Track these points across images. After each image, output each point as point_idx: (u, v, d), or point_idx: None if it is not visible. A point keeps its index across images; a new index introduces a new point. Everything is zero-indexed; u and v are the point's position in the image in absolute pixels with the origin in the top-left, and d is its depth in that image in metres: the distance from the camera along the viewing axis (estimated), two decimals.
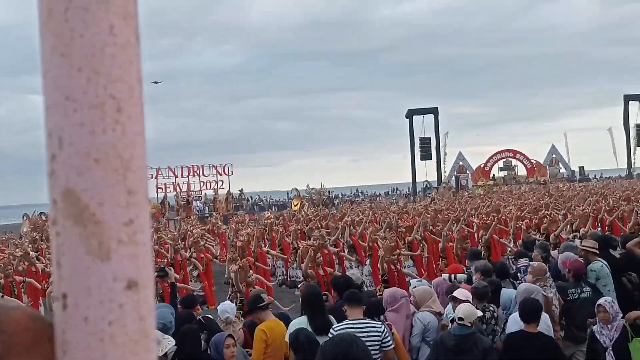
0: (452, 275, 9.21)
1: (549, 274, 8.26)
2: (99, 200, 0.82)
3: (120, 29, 0.84)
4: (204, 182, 54.89)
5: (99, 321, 0.82)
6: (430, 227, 17.94)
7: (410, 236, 16.62)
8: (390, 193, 69.83)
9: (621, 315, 7.18)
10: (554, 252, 11.19)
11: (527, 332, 6.75)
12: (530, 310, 6.85)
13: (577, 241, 11.70)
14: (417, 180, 60.86)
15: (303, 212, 34.34)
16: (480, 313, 7.09)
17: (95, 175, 0.82)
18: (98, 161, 0.82)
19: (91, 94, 0.83)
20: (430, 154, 60.17)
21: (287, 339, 6.80)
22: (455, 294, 7.49)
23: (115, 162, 0.83)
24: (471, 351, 6.51)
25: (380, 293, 10.78)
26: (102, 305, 0.82)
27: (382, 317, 7.57)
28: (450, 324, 7.21)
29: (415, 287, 8.84)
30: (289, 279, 18.12)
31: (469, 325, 6.66)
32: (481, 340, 6.59)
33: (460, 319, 6.72)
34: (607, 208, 19.35)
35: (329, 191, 60.39)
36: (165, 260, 15.62)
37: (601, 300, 7.35)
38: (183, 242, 19.30)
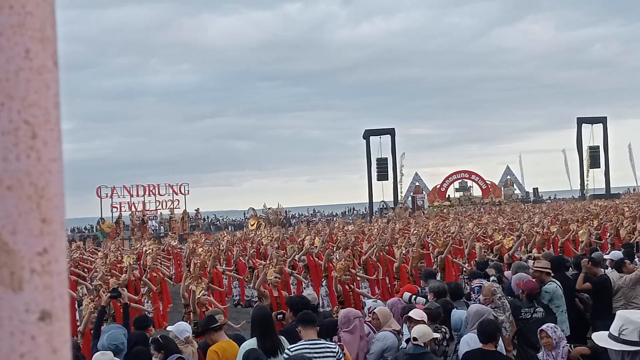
0: (413, 296, 9.21)
1: (500, 294, 8.28)
2: (12, 229, 0.79)
3: (36, 53, 0.82)
4: (159, 202, 54.54)
5: (10, 354, 0.79)
6: (386, 247, 18.01)
7: (365, 256, 16.65)
8: (347, 213, 69.93)
9: (565, 341, 7.18)
10: (507, 272, 11.27)
11: (486, 349, 6.77)
12: (488, 330, 6.87)
13: (531, 262, 11.80)
14: (373, 201, 61.06)
15: (259, 232, 34.24)
16: (436, 335, 7.12)
17: (7, 203, 0.79)
18: (11, 189, 0.79)
19: (4, 119, 0.80)
20: (387, 175, 60.44)
21: None
22: (410, 314, 7.50)
23: (28, 190, 0.80)
24: None
25: (336, 314, 10.77)
26: (13, 337, 0.79)
27: (335, 338, 7.55)
28: (405, 344, 7.21)
29: (370, 307, 8.85)
30: (244, 299, 18.02)
31: (423, 345, 6.68)
32: (432, 359, 6.60)
33: (415, 339, 6.74)
34: (560, 229, 19.60)
35: (285, 211, 60.31)
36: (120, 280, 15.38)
37: (544, 326, 7.35)
38: (137, 262, 19.06)
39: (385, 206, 59.69)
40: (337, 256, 16.14)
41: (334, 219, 56.57)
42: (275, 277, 12.08)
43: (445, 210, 49.35)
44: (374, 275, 15.76)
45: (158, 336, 7.33)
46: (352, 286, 12.84)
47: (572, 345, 7.05)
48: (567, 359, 7.06)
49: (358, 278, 14.75)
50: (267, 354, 6.39)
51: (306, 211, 73.55)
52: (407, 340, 6.97)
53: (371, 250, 16.97)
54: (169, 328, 8.02)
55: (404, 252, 16.19)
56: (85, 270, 18.20)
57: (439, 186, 64.06)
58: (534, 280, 9.31)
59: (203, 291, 11.07)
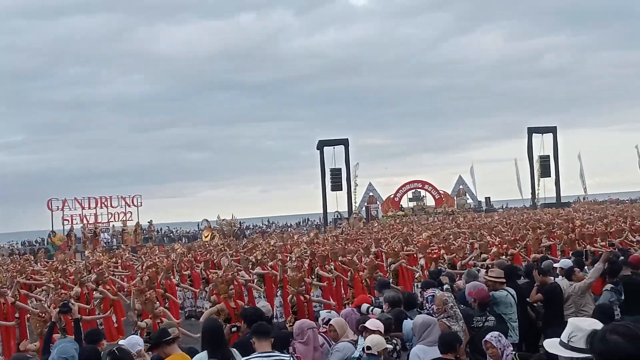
0: (369, 307, 9.22)
1: (452, 303, 8.33)
2: None
3: None
4: (112, 214, 54.02)
5: None
6: (340, 257, 18.03)
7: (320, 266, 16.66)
8: (301, 223, 69.87)
9: (510, 348, 7.20)
10: (459, 282, 11.36)
11: (446, 358, 6.82)
12: (448, 340, 6.94)
13: (483, 271, 11.91)
14: (328, 211, 61.17)
15: (214, 243, 34.05)
16: (389, 346, 7.16)
17: None
18: None
19: None
20: (341, 185, 60.61)
21: None
22: (367, 324, 7.53)
23: None
24: None
25: (291, 325, 10.76)
26: None
27: (290, 349, 7.54)
28: (358, 354, 7.23)
29: (324, 318, 8.85)
30: (196, 311, 17.87)
31: (376, 354, 6.73)
32: None
33: (369, 347, 6.79)
34: (511, 238, 19.80)
35: (239, 222, 60.07)
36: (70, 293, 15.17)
37: (487, 337, 7.36)
38: (89, 275, 18.80)
39: (339, 216, 59.80)
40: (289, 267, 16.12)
41: (288, 230, 56.48)
42: (230, 289, 12.02)
43: (398, 220, 49.59)
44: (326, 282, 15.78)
45: (114, 348, 7.21)
46: (306, 296, 12.83)
47: (516, 354, 7.09)
48: None
49: (310, 286, 14.76)
50: None
51: (260, 222, 73.29)
52: (363, 349, 7.00)
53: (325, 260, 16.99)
54: (120, 342, 7.90)
55: (357, 262, 16.24)
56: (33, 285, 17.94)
57: (392, 196, 64.42)
58: (485, 288, 9.39)
59: (156, 303, 10.98)
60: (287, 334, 7.75)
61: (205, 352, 6.71)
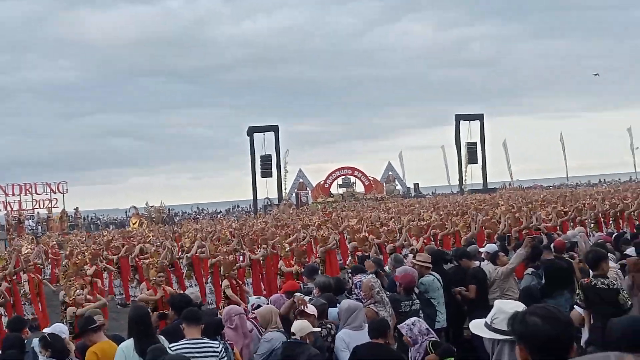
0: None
1: (379, 289, 8.42)
2: None
3: None
4: (36, 201, 52.88)
5: None
6: (271, 243, 18.06)
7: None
8: (231, 210, 69.56)
9: (428, 335, 7.23)
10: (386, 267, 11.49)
11: (375, 342, 6.88)
12: (378, 327, 7.00)
13: (410, 255, 12.07)
14: (258, 198, 61.07)
15: (141, 230, 33.67)
16: (315, 329, 7.19)
17: None
18: None
19: None
20: (271, 171, 60.59)
21: None
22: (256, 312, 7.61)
23: None
24: (297, 358, 6.61)
25: (221, 310, 10.73)
26: None
27: (221, 334, 7.52)
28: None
29: (253, 304, 8.84)
30: (129, 298, 17.69)
31: (300, 339, 6.77)
32: (309, 350, 6.68)
33: (293, 333, 6.83)
34: (440, 223, 20.10)
35: (169, 209, 59.52)
36: None
37: (399, 326, 7.43)
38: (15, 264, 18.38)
39: (269, 203, 59.79)
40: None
41: (219, 217, 56.20)
42: (159, 276, 11.95)
43: (328, 207, 49.81)
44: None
45: (47, 334, 7.09)
46: (238, 281, 12.82)
47: (430, 343, 7.09)
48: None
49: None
50: (144, 355, 6.27)
51: (190, 209, 72.71)
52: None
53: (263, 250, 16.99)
54: (45, 330, 7.78)
55: (287, 249, 16.28)
56: None
57: (322, 182, 64.58)
58: (410, 273, 9.50)
59: (79, 290, 10.83)
60: (218, 321, 7.72)
61: (132, 339, 6.65)
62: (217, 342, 6.57)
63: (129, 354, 6.47)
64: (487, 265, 10.91)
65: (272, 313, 7.87)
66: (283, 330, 7.66)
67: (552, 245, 11.73)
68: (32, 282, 15.37)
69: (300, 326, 6.92)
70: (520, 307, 3.64)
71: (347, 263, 17.38)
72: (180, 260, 17.35)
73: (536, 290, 9.41)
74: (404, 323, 7.29)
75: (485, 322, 3.84)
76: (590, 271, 8.30)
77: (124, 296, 18.36)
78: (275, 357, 7.32)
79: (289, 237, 19.52)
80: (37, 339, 7.30)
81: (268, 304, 8.84)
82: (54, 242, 30.33)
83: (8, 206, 51.54)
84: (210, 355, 6.32)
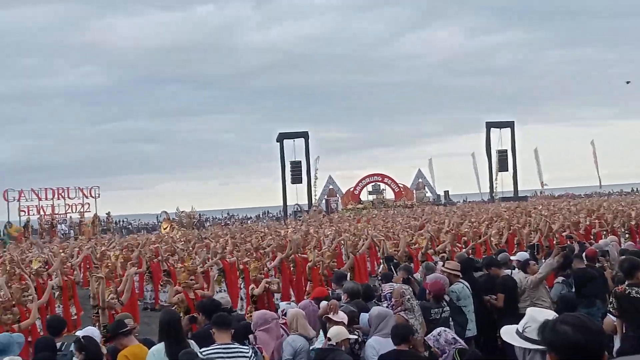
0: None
1: (409, 296, 8.39)
2: None
3: None
4: (69, 205, 53.40)
5: None
6: (300, 249, 18.07)
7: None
8: (261, 216, 69.73)
9: (455, 344, 7.16)
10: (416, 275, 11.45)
11: (400, 349, 6.88)
12: (401, 332, 6.99)
13: (440, 263, 12.02)
14: (288, 204, 61.19)
15: (172, 235, 33.86)
16: (351, 336, 7.22)
17: None
18: None
19: None
20: (301, 178, 60.71)
21: None
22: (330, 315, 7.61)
23: None
24: None
25: (250, 315, 10.76)
26: None
27: (251, 338, 7.56)
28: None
29: (284, 309, 8.88)
30: (158, 303, 17.75)
31: (335, 344, 6.80)
32: (341, 356, 6.69)
33: (329, 339, 6.86)
34: (473, 231, 19.98)
35: (199, 214, 59.80)
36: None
37: (427, 337, 7.38)
38: (47, 266, 18.57)
39: (299, 209, 59.85)
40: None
41: (248, 222, 56.37)
42: (190, 279, 12.01)
43: (357, 213, 49.76)
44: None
45: (81, 337, 7.16)
46: (266, 286, 12.83)
47: (456, 351, 7.04)
48: None
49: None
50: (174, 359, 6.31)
51: (220, 214, 72.98)
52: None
53: (287, 251, 17.01)
54: (77, 333, 7.86)
55: (317, 254, 16.30)
56: None
57: (352, 189, 64.58)
58: (440, 280, 9.47)
59: (112, 295, 10.90)
60: (246, 325, 7.77)
61: (162, 343, 6.70)
62: (247, 347, 6.61)
63: (159, 357, 6.52)
64: (517, 274, 10.85)
65: (295, 318, 7.91)
66: (307, 334, 7.71)
67: (584, 254, 11.65)
68: (66, 285, 15.49)
69: (336, 332, 6.95)
70: (552, 315, 3.62)
71: (375, 271, 17.35)
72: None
73: (574, 298, 9.31)
74: (430, 334, 7.25)
75: (517, 329, 3.82)
76: (626, 280, 8.21)
77: (154, 301, 18.45)
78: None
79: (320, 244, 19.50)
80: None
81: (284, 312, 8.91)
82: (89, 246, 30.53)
83: (41, 210, 52.08)
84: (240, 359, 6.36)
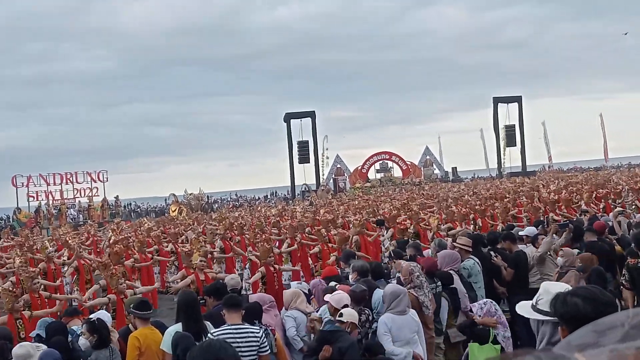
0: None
1: (418, 273, 8.37)
2: None
3: None
4: (77, 190, 53.55)
5: None
6: (308, 229, 18.09)
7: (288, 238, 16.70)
8: (269, 197, 69.83)
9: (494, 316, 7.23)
10: (426, 252, 11.42)
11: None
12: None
13: (450, 239, 12.00)
14: (295, 184, 61.21)
15: (181, 218, 33.96)
16: (361, 317, 7.24)
17: None
18: None
19: None
20: (309, 157, 60.66)
21: (162, 346, 6.70)
22: (327, 297, 7.64)
23: None
24: (332, 346, 6.64)
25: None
26: None
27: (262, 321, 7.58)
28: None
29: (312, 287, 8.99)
30: (164, 285, 17.81)
31: (344, 321, 6.81)
32: (345, 337, 6.69)
33: (341, 314, 6.88)
34: (479, 207, 19.95)
35: (207, 196, 59.90)
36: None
37: (472, 304, 7.44)
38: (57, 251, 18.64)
39: (307, 189, 59.86)
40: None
41: (257, 203, 56.45)
42: (201, 261, 12.07)
43: (366, 192, 49.77)
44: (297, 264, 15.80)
45: (95, 318, 7.20)
46: (275, 267, 12.85)
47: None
48: None
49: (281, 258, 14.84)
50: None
51: (228, 196, 73.11)
52: (329, 321, 7.04)
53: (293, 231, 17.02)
54: (91, 316, 7.89)
55: (325, 233, 16.30)
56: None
57: (360, 168, 64.51)
58: (434, 257, 9.49)
59: (122, 279, 10.94)
60: (257, 306, 7.78)
61: (180, 324, 6.75)
62: (257, 328, 6.61)
63: None
64: (527, 249, 10.84)
65: (293, 297, 7.97)
66: (304, 312, 7.80)
67: (592, 227, 11.60)
68: (83, 269, 15.54)
69: (350, 313, 6.98)
70: (565, 288, 3.61)
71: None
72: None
73: (603, 271, 9.21)
74: (477, 303, 7.34)
75: (532, 303, 3.83)
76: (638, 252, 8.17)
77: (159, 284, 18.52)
78: (302, 332, 7.50)
79: (331, 224, 19.50)
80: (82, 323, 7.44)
81: (309, 289, 8.94)
82: (94, 231, 30.64)
83: (50, 195, 52.22)
84: (251, 341, 6.36)
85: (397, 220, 17.26)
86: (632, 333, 0.90)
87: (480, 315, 7.10)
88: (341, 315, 6.88)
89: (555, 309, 3.08)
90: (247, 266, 16.19)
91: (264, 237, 15.92)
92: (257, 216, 27.81)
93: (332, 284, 8.82)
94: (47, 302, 11.35)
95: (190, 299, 7.12)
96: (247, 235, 18.22)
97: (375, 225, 18.31)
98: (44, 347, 6.38)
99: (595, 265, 8.92)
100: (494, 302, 7.55)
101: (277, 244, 16.57)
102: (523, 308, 3.88)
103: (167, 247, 18.72)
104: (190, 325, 6.65)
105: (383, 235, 16.55)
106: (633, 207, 20.08)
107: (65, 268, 15.85)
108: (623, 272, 8.07)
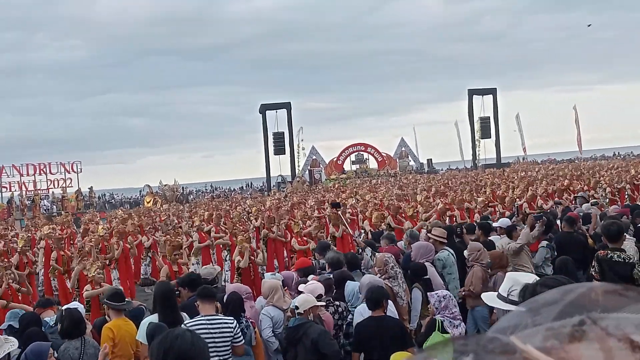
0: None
1: (393, 264, 8.41)
2: None
3: None
4: (51, 181, 53.04)
5: None
6: (285, 221, 18.10)
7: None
8: (244, 188, 69.67)
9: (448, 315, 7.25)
10: (400, 243, 11.47)
11: (375, 316, 6.93)
12: (376, 297, 7.01)
13: (424, 231, 12.06)
14: (271, 175, 61.11)
15: (155, 209, 33.83)
16: (320, 303, 7.20)
17: None
18: None
19: None
20: (284, 149, 60.54)
21: (138, 337, 6.70)
22: (301, 287, 7.64)
23: None
24: (301, 341, 6.66)
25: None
26: None
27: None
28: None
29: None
30: (139, 277, 17.76)
31: (303, 313, 6.80)
32: (312, 328, 6.70)
33: (296, 307, 6.86)
34: (458, 199, 20.06)
35: (182, 187, 59.68)
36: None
37: (431, 294, 7.45)
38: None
39: (282, 180, 59.81)
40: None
41: (232, 195, 56.30)
42: (175, 255, 12.01)
43: (342, 183, 49.81)
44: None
45: (66, 308, 7.17)
46: (251, 258, 12.86)
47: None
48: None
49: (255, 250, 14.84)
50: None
51: (204, 187, 72.86)
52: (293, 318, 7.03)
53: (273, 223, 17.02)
54: (63, 307, 7.85)
55: (301, 225, 16.32)
56: None
57: (335, 159, 64.51)
58: (397, 247, 9.55)
59: (99, 270, 10.89)
60: (239, 298, 7.77)
61: (156, 314, 6.74)
62: (231, 319, 6.62)
63: None
64: (501, 240, 10.91)
65: (273, 289, 7.90)
66: (281, 307, 7.73)
67: (567, 217, 11.71)
68: (61, 259, 15.45)
69: (304, 299, 6.95)
70: (533, 279, 3.65)
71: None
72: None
73: (570, 261, 9.28)
74: (434, 293, 7.35)
75: (499, 293, 3.85)
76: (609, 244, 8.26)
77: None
78: (279, 330, 7.46)
79: (305, 215, 19.52)
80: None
81: (282, 280, 8.94)
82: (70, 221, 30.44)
83: (23, 186, 51.74)
84: (225, 331, 6.37)
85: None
86: (567, 310, 0.92)
87: (437, 308, 7.11)
88: (297, 307, 6.88)
89: (525, 300, 3.12)
90: (227, 258, 16.13)
91: (241, 227, 15.94)
92: (238, 208, 27.74)
93: (311, 277, 8.84)
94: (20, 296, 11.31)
95: (167, 290, 7.10)
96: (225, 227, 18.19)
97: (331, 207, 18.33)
98: (12, 339, 6.33)
99: (505, 263, 9.14)
100: (452, 297, 7.56)
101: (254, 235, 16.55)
102: (490, 299, 3.92)
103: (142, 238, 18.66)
104: (167, 316, 6.63)
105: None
106: (607, 200, 20.33)
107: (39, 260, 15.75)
108: (593, 264, 8.14)
